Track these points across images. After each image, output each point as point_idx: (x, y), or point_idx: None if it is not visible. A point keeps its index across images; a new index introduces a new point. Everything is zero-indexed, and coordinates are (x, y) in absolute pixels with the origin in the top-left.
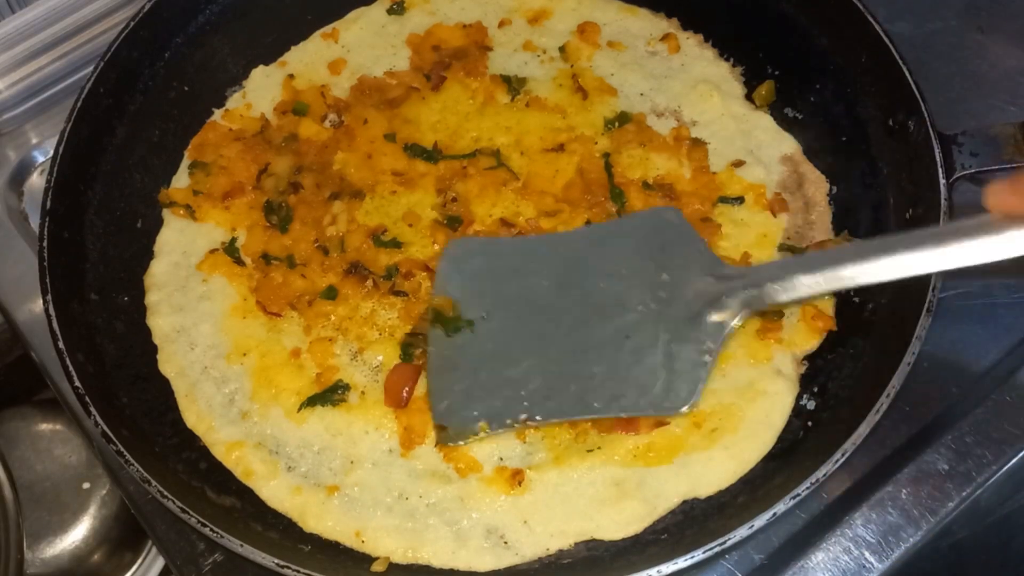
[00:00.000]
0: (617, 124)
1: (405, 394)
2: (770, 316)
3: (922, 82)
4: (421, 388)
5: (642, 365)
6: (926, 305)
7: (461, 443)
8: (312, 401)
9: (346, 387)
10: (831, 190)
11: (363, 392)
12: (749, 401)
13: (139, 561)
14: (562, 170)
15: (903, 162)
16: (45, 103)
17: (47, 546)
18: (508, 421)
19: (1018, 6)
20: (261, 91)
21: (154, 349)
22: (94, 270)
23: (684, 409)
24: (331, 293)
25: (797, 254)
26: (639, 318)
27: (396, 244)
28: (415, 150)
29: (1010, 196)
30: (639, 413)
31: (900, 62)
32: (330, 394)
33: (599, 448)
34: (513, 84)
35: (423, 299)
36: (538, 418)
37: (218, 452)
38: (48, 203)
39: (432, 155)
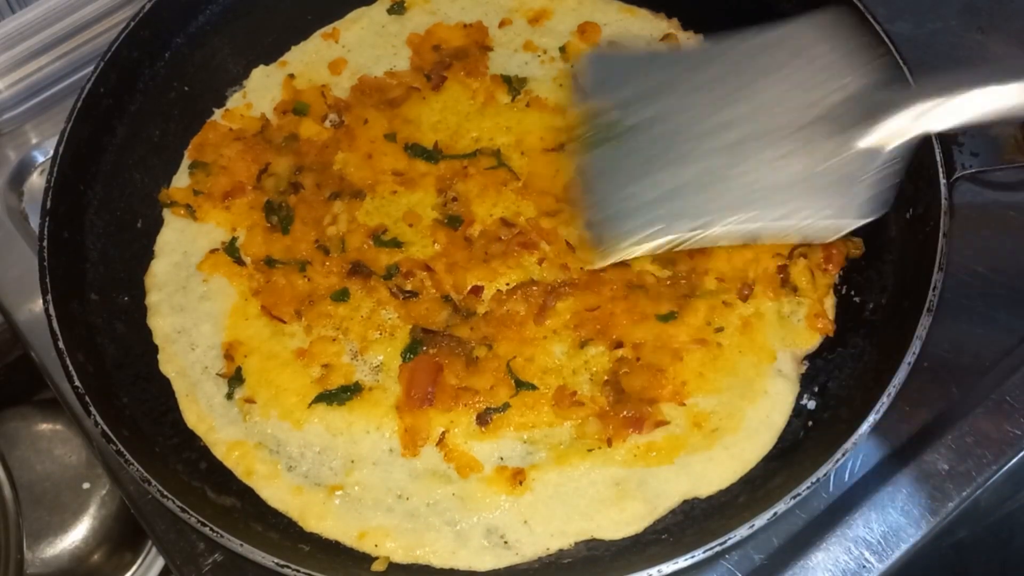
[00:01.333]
0: None
1: (431, 390)
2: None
3: None
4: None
5: (814, 176)
6: (926, 305)
7: (616, 254)
8: (322, 398)
9: (357, 388)
10: None
11: (367, 391)
12: (749, 401)
13: (139, 561)
14: (563, 170)
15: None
16: (45, 103)
17: (47, 546)
18: (671, 232)
19: (1018, 6)
20: (261, 91)
21: (154, 349)
22: (94, 270)
23: (871, 216)
24: (343, 295)
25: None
26: (805, 127)
27: (396, 244)
28: (415, 150)
29: None
30: (814, 222)
31: (900, 62)
32: (340, 393)
33: (599, 448)
34: (514, 84)
35: (425, 298)
36: (700, 232)
37: (219, 452)
38: (48, 203)
39: (432, 155)
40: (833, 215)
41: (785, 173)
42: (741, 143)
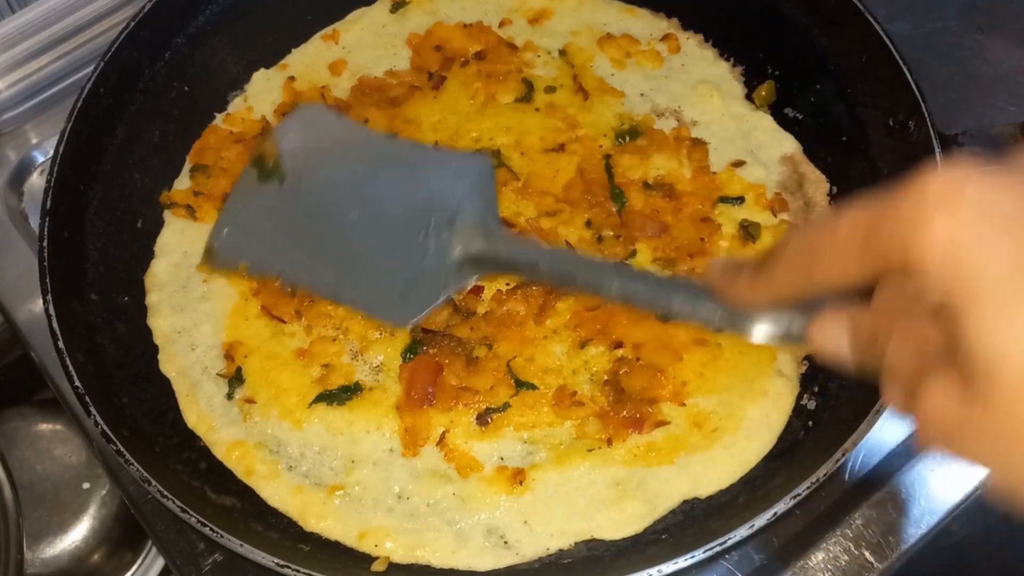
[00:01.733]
0: (628, 138)
1: (431, 390)
2: None
3: (922, 82)
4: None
5: (394, 278)
6: None
7: (216, 270)
8: (322, 398)
9: (357, 388)
10: (831, 190)
11: (367, 391)
12: (749, 401)
13: (139, 561)
14: (562, 170)
15: (903, 162)
16: (45, 103)
17: (47, 546)
18: (265, 271)
19: (1018, 6)
20: (262, 94)
21: (154, 349)
22: (94, 270)
23: (406, 325)
24: None
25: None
26: (416, 239)
27: None
28: None
29: (746, 290)
30: (369, 312)
31: (900, 62)
32: (340, 393)
33: (599, 448)
34: (534, 88)
35: None
36: (290, 280)
37: (219, 452)
38: (48, 203)
39: None
40: (382, 311)
41: (373, 264)
42: (359, 226)
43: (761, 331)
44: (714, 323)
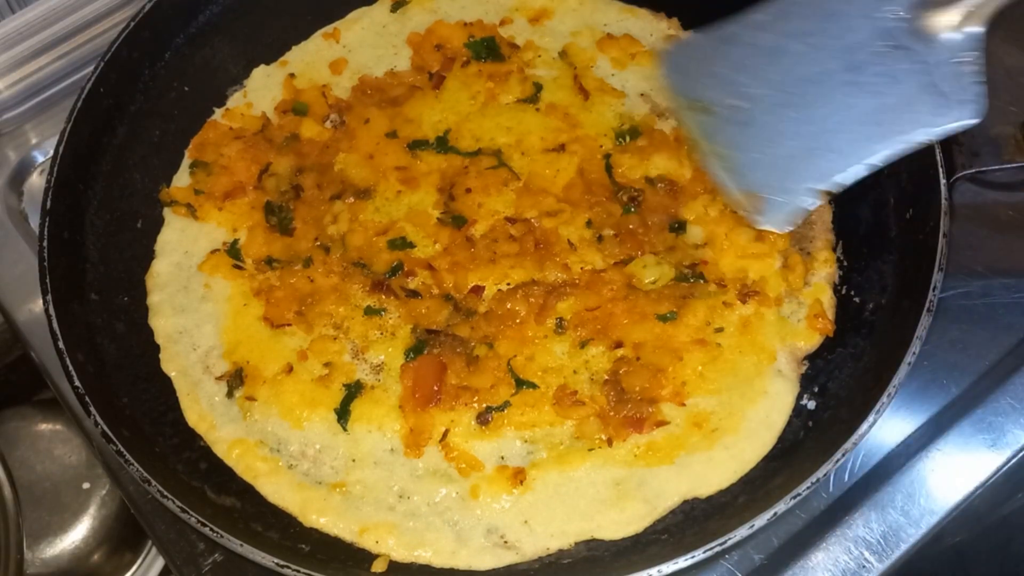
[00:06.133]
0: (628, 138)
1: (437, 389)
2: None
3: None
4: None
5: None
6: (926, 305)
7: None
8: (340, 415)
9: (358, 387)
10: None
11: (368, 390)
12: (749, 401)
13: (139, 561)
14: (563, 170)
15: (903, 162)
16: (45, 103)
17: (47, 546)
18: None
19: (1018, 6)
20: (262, 90)
21: (154, 349)
22: (94, 270)
23: (973, 120)
24: (376, 310)
25: None
26: (881, 53)
27: (398, 244)
28: (419, 144)
29: None
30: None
31: None
32: (347, 400)
33: (600, 448)
34: (543, 88)
35: (426, 298)
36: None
37: (219, 450)
38: (48, 203)
39: (442, 141)
40: (929, 123)
41: (873, 102)
42: (826, 92)
43: None
44: None
